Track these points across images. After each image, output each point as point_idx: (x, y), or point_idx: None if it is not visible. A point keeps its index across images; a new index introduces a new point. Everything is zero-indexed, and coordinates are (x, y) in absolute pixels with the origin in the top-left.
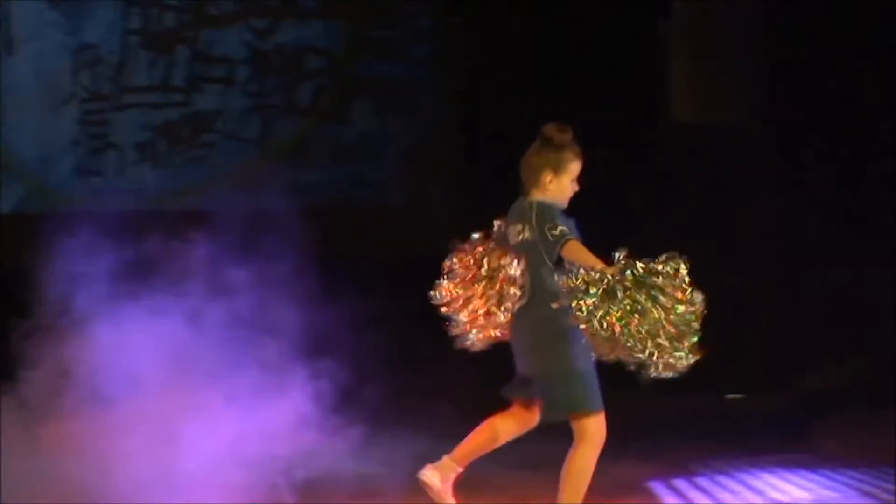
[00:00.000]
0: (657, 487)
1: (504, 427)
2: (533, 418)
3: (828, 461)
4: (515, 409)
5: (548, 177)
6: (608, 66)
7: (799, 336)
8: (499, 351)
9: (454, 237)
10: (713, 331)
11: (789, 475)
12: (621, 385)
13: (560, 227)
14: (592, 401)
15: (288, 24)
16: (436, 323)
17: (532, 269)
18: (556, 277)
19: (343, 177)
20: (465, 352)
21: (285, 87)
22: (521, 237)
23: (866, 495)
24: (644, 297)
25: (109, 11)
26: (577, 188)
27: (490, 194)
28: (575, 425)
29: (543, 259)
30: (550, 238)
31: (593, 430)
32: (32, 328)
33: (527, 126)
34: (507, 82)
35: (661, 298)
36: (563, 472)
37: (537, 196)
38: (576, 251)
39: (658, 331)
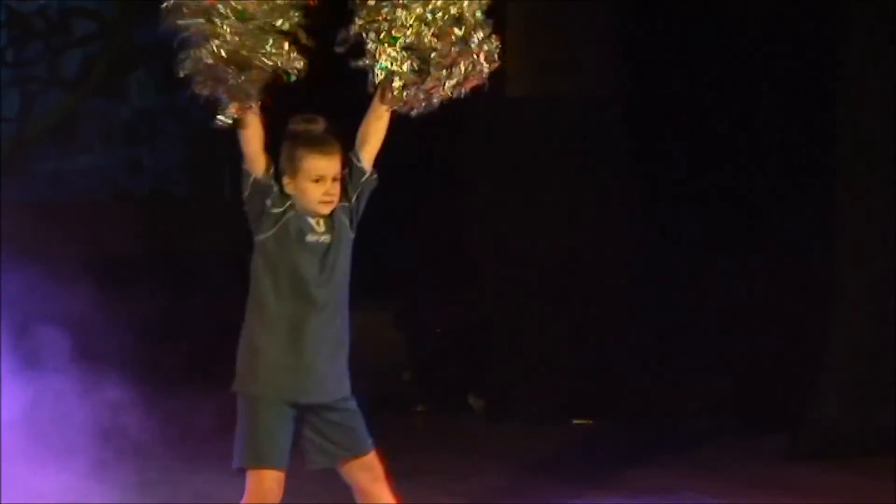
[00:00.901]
0: None
1: None
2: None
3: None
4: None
5: (286, 180)
6: None
7: (654, 350)
8: None
9: (247, 231)
10: (555, 345)
11: None
12: (451, 410)
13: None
14: (242, 457)
15: None
16: (225, 327)
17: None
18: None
19: (118, 162)
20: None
21: (49, 57)
22: None
23: None
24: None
25: None
26: (330, 190)
27: None
28: None
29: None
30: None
31: (249, 489)
32: None
33: (339, 100)
34: (314, 46)
35: None
36: None
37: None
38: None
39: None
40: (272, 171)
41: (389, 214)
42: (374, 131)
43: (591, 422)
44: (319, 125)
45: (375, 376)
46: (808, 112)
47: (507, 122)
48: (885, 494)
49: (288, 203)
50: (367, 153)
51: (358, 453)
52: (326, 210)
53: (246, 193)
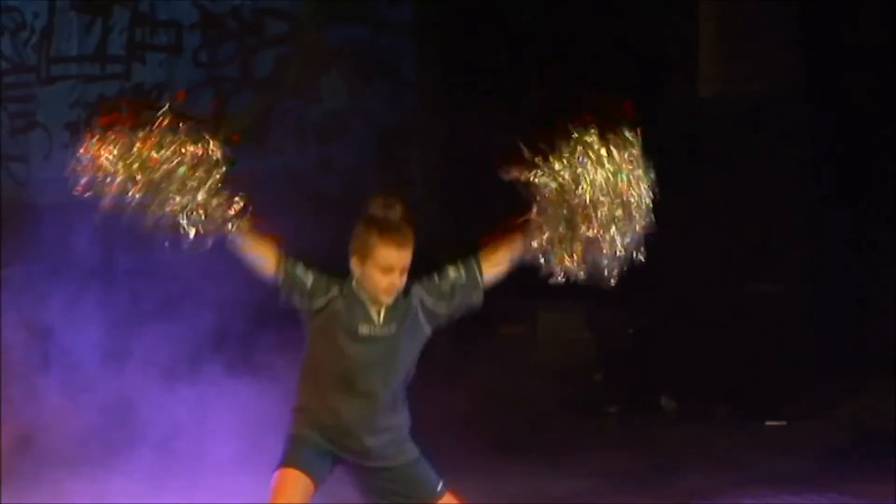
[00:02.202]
0: None
1: None
2: None
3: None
4: None
5: (354, 261)
6: (617, 35)
7: (845, 356)
8: None
9: (439, 231)
10: (747, 347)
11: None
12: (643, 411)
13: None
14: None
15: None
16: None
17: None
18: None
19: (310, 161)
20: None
21: (242, 57)
22: None
23: None
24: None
25: None
26: (395, 281)
27: (485, 192)
28: None
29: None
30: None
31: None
32: None
33: (524, 102)
34: (501, 52)
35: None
36: None
37: (353, 283)
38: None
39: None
40: (288, 264)
41: None
42: (506, 265)
43: (783, 423)
44: (397, 211)
45: (566, 378)
46: None
47: (699, 121)
48: None
49: (332, 293)
50: (491, 275)
51: (423, 500)
52: (388, 300)
53: (282, 295)
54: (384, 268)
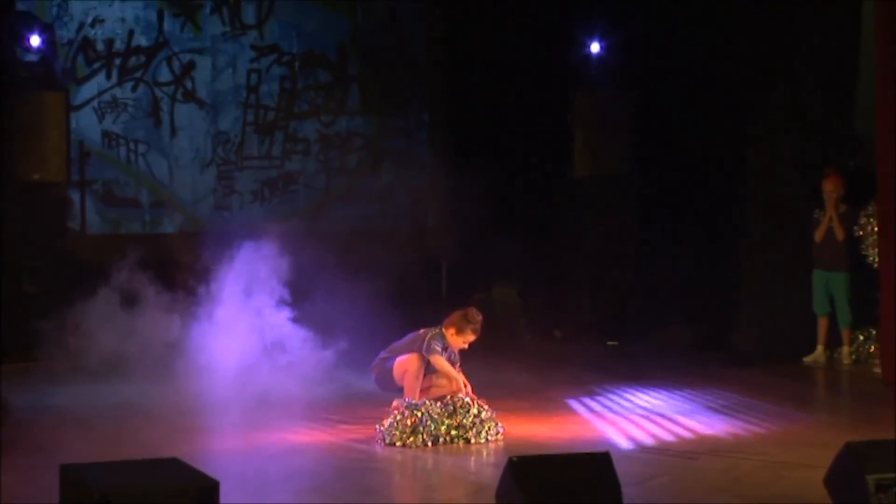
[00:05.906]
0: (572, 403)
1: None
2: None
3: (673, 386)
4: None
5: (451, 330)
6: (536, 141)
7: (655, 307)
8: None
9: (445, 246)
10: (597, 301)
11: (651, 393)
12: (545, 338)
13: (433, 347)
14: None
15: (342, 118)
16: (424, 303)
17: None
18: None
19: (374, 207)
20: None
21: (340, 157)
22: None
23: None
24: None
25: (235, 110)
26: (465, 346)
27: (466, 224)
28: None
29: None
30: (427, 347)
31: None
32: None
33: (487, 183)
34: (474, 154)
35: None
36: None
37: (445, 331)
38: (435, 361)
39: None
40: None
41: (519, 241)
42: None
43: (616, 343)
44: (482, 319)
45: (506, 322)
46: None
47: (576, 191)
48: (779, 385)
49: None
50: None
51: None
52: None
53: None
54: (465, 342)
